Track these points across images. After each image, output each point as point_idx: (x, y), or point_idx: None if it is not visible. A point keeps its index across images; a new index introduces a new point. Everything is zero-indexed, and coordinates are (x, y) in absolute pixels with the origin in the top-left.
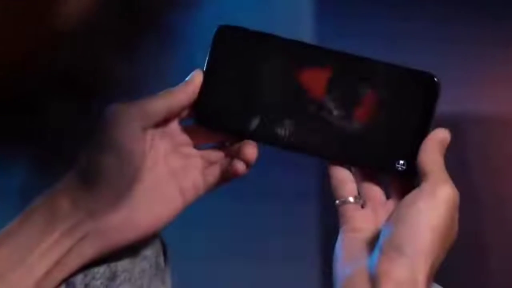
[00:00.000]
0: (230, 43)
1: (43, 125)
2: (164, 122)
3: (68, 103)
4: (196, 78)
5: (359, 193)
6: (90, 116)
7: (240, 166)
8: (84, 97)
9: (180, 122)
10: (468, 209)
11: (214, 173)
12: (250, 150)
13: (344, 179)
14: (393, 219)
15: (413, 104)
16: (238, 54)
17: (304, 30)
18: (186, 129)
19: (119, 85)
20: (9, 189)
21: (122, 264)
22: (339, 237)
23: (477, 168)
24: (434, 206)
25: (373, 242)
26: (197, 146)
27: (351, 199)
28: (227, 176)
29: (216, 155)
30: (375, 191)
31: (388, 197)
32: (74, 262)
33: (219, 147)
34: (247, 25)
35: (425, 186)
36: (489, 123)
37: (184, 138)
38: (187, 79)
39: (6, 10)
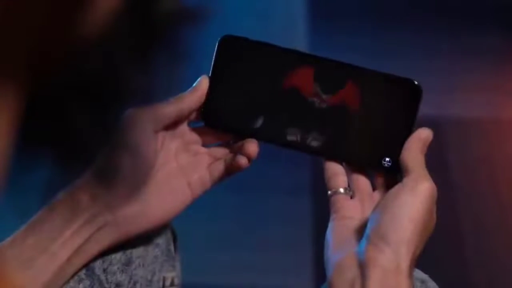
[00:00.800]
0: (232, 51)
1: (67, 129)
2: (175, 124)
3: (89, 109)
4: (202, 84)
5: (349, 186)
6: (108, 121)
7: (243, 161)
8: (103, 104)
9: (189, 124)
10: (446, 203)
11: (219, 168)
12: (252, 147)
13: (337, 172)
14: (378, 210)
15: (398, 107)
16: (239, 61)
17: (298, 42)
18: (194, 130)
19: (135, 93)
20: (33, 186)
21: (137, 251)
22: (330, 225)
23: (454, 166)
24: (415, 200)
25: (360, 230)
26: (204, 145)
27: (341, 190)
28: (231, 171)
29: (221, 152)
30: (363, 184)
31: (374, 189)
32: (93, 249)
33: (224, 145)
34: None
35: (407, 182)
36: (465, 126)
37: (192, 137)
38: (194, 85)
39: (38, 14)
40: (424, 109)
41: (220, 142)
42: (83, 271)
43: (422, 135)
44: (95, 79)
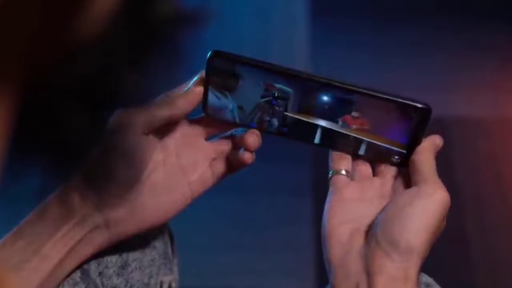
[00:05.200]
0: (220, 65)
1: (62, 131)
2: (169, 124)
3: (84, 111)
4: (196, 88)
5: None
6: (103, 122)
7: (246, 156)
8: (99, 106)
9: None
10: (450, 203)
11: (222, 164)
12: (253, 137)
13: (342, 155)
14: (389, 212)
15: (408, 125)
16: (228, 74)
17: (298, 40)
18: (195, 122)
19: (131, 95)
20: (25, 193)
21: (133, 254)
22: (327, 207)
23: (458, 166)
24: (431, 209)
25: (361, 222)
26: (207, 136)
27: (343, 171)
28: (234, 167)
29: (224, 145)
30: (363, 168)
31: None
32: (86, 250)
33: (227, 137)
34: (248, 36)
35: (424, 189)
36: (469, 124)
37: (194, 131)
38: (189, 85)
39: (35, 15)
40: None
41: (222, 134)
42: (78, 274)
43: (436, 141)
44: (91, 80)
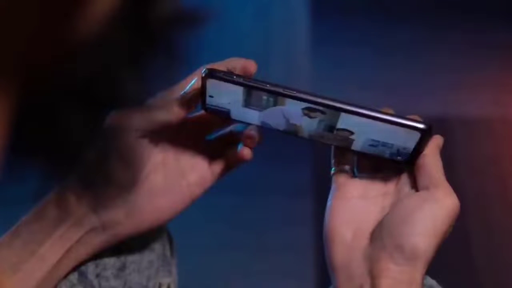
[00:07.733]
0: (215, 79)
1: (60, 133)
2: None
3: (82, 113)
4: (195, 90)
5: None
6: (100, 125)
7: (245, 152)
8: (97, 108)
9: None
10: None
11: (221, 162)
12: (252, 134)
13: (344, 151)
14: (398, 216)
15: (412, 140)
16: (222, 88)
17: (300, 38)
18: (194, 120)
19: (129, 97)
20: (23, 196)
21: (131, 256)
22: (329, 205)
23: (461, 166)
24: (440, 214)
25: (364, 221)
26: (206, 133)
27: (346, 168)
28: (233, 163)
29: (223, 143)
30: (366, 164)
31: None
32: (82, 251)
33: (226, 133)
34: (248, 35)
35: (434, 194)
36: (472, 124)
37: (192, 129)
38: (186, 89)
39: (33, 16)
40: (431, 107)
41: (221, 131)
42: (76, 276)
43: (439, 142)
44: (91, 81)
